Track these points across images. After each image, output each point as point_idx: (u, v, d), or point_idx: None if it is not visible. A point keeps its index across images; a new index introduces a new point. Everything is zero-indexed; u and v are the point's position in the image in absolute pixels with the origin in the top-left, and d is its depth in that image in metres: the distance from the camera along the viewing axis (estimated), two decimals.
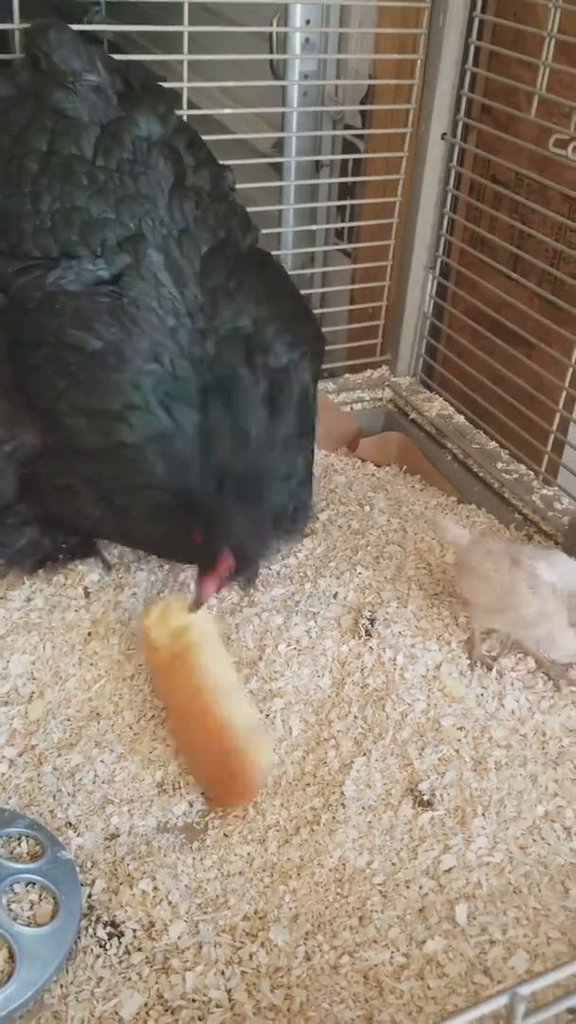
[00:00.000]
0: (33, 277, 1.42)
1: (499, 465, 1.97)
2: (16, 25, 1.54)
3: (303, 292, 2.40)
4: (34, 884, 1.18)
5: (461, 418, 2.13)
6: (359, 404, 2.24)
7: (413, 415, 2.17)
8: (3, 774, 1.34)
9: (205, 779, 1.35)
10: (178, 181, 1.51)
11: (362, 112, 2.28)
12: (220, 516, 1.35)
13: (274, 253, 2.25)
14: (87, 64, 1.49)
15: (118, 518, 1.50)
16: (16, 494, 1.53)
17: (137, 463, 1.41)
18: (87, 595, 1.64)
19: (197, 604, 1.39)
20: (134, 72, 1.57)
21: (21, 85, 1.49)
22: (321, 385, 2.23)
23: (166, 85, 1.67)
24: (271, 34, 2.26)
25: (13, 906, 1.15)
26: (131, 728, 1.43)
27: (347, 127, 2.35)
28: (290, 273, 2.33)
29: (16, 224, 1.44)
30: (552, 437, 1.88)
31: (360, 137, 2.30)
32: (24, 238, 1.44)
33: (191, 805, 1.34)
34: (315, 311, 2.46)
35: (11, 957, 1.09)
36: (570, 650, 1.48)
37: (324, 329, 2.49)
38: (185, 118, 1.74)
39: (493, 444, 2.04)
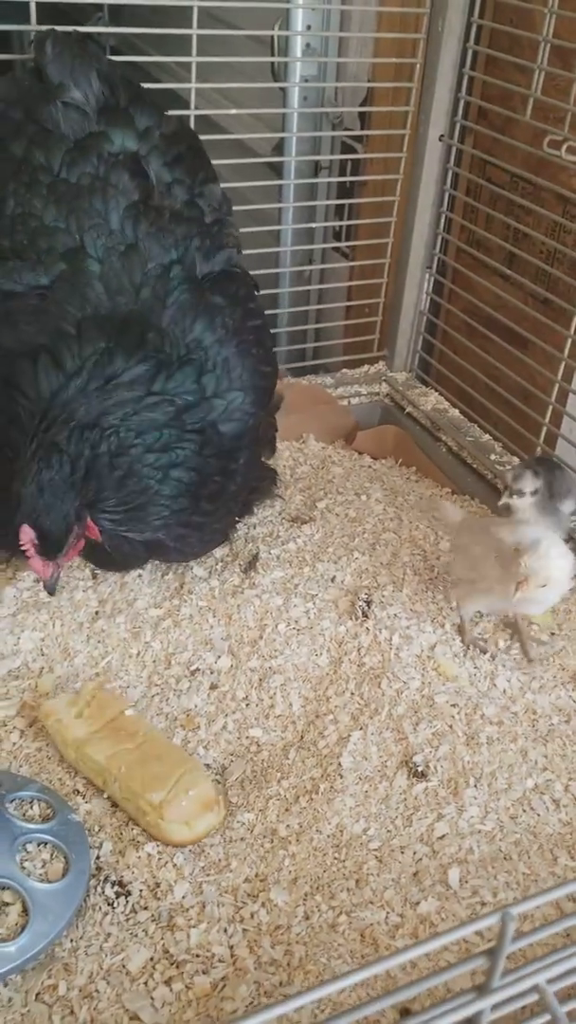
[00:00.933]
0: None
1: (492, 457, 2.03)
2: (33, 27, 1.60)
3: (300, 289, 2.47)
4: (46, 844, 1.23)
5: (456, 412, 2.19)
6: (356, 398, 2.30)
7: (409, 409, 2.23)
8: (15, 744, 1.39)
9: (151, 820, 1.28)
10: (142, 198, 1.54)
11: (361, 114, 2.34)
12: (19, 494, 1.34)
13: (272, 251, 2.32)
14: (78, 77, 1.53)
15: None
16: None
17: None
18: (94, 576, 1.69)
19: (47, 587, 1.42)
20: (126, 86, 1.59)
21: (23, 90, 1.55)
22: (319, 379, 2.30)
23: (166, 87, 1.72)
24: (272, 38, 2.32)
25: (26, 864, 1.20)
26: (136, 703, 1.48)
27: (346, 129, 2.41)
28: (288, 270, 2.41)
29: None
30: (545, 430, 1.94)
31: (359, 139, 2.36)
32: None
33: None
34: (312, 307, 2.53)
35: (25, 911, 1.14)
36: (543, 600, 1.52)
37: (321, 325, 2.57)
38: (192, 119, 1.79)
39: (487, 437, 2.10)
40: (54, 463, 1.33)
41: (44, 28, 1.67)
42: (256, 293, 1.68)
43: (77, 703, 1.38)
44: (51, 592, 1.44)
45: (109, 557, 1.60)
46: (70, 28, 1.62)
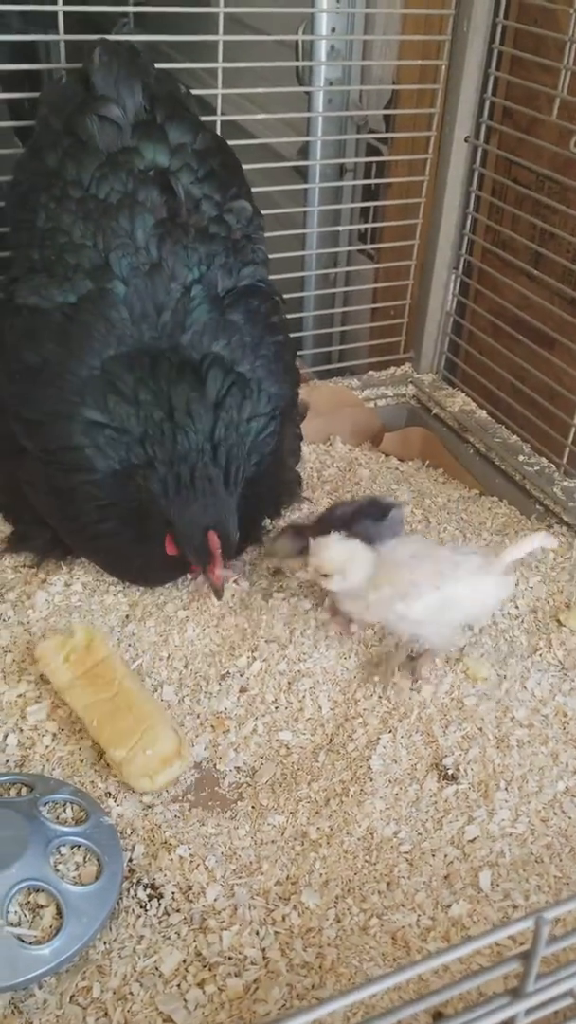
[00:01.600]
0: (17, 286, 1.54)
1: (520, 458, 2.02)
2: (61, 37, 1.62)
3: (325, 292, 2.48)
4: (79, 846, 1.24)
5: (483, 413, 2.19)
6: (383, 400, 2.30)
7: (436, 410, 2.23)
8: (47, 747, 1.41)
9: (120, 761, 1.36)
10: (169, 215, 1.54)
11: (386, 117, 2.34)
12: (174, 513, 1.45)
13: (298, 255, 2.32)
14: (121, 89, 1.53)
15: (68, 526, 1.59)
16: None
17: (56, 469, 1.51)
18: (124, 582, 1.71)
19: (218, 593, 1.52)
20: (168, 101, 1.59)
21: (67, 98, 1.56)
22: (345, 381, 2.30)
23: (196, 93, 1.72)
24: (297, 42, 2.32)
25: (60, 866, 1.21)
26: (168, 705, 1.49)
27: (371, 131, 2.41)
28: (313, 273, 2.41)
29: (19, 233, 1.57)
30: (574, 430, 1.93)
31: (384, 141, 2.36)
32: (20, 248, 1.57)
33: (224, 778, 1.39)
34: (338, 310, 2.53)
35: (59, 913, 1.15)
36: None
37: (347, 328, 2.57)
38: (218, 125, 1.80)
39: (515, 438, 2.09)
40: (214, 477, 1.46)
41: (71, 37, 1.69)
42: (280, 308, 1.68)
43: (65, 647, 1.48)
44: (219, 596, 1.55)
45: (152, 573, 1.64)
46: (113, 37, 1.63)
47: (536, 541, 1.55)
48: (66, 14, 1.70)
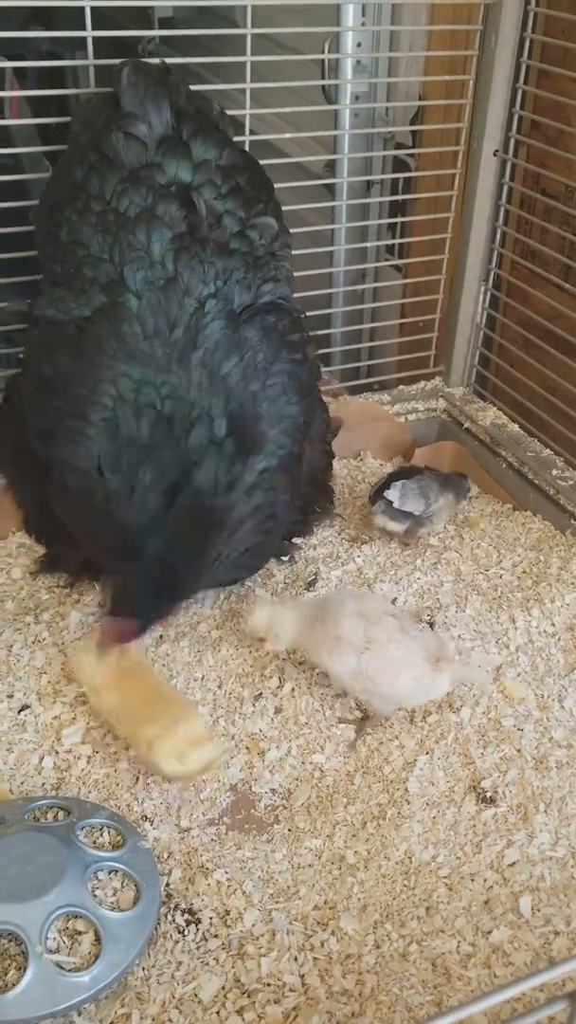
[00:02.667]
0: (39, 299, 1.56)
1: (554, 472, 2.00)
2: (91, 62, 1.63)
3: (353, 308, 2.48)
4: (116, 871, 1.24)
5: (515, 427, 2.17)
6: (413, 415, 2.28)
7: (467, 424, 2.21)
8: (83, 769, 1.41)
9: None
10: (188, 230, 1.53)
11: (412, 131, 2.34)
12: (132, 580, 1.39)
13: (325, 271, 2.32)
14: (148, 108, 1.54)
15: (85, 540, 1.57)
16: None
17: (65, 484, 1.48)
18: None
19: (101, 647, 1.43)
20: (195, 118, 1.59)
21: (97, 116, 1.58)
22: (375, 396, 2.30)
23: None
24: (323, 60, 2.32)
25: (97, 892, 1.21)
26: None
27: (398, 146, 2.41)
28: (341, 290, 2.41)
29: (45, 246, 1.59)
30: None
31: (411, 156, 2.36)
32: (45, 262, 1.59)
33: (259, 800, 1.39)
34: (367, 326, 2.53)
35: (97, 939, 1.15)
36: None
37: (376, 343, 2.56)
38: (247, 144, 1.81)
39: (548, 451, 2.07)
40: (153, 571, 1.38)
41: (101, 62, 1.71)
42: (302, 326, 1.66)
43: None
44: (99, 648, 1.45)
45: None
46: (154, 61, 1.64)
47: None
48: (97, 39, 1.71)
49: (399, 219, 2.43)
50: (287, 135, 2.20)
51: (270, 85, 1.98)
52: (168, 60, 1.68)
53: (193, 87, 1.66)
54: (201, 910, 1.23)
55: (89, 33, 1.67)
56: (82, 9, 1.64)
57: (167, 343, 1.48)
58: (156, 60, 1.64)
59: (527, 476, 2.04)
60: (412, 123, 2.32)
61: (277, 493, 1.55)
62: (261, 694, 1.54)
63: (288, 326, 1.60)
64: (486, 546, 1.89)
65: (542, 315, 2.08)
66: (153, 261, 1.50)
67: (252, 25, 1.80)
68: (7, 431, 1.74)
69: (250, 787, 1.41)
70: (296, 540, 1.85)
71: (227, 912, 1.23)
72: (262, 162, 1.72)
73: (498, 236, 2.20)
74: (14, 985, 1.08)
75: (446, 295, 2.31)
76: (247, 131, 1.86)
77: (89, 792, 1.38)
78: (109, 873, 1.24)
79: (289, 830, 1.35)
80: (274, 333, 1.56)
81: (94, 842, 1.27)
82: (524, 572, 1.82)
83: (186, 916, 1.22)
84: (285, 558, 1.81)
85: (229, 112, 1.73)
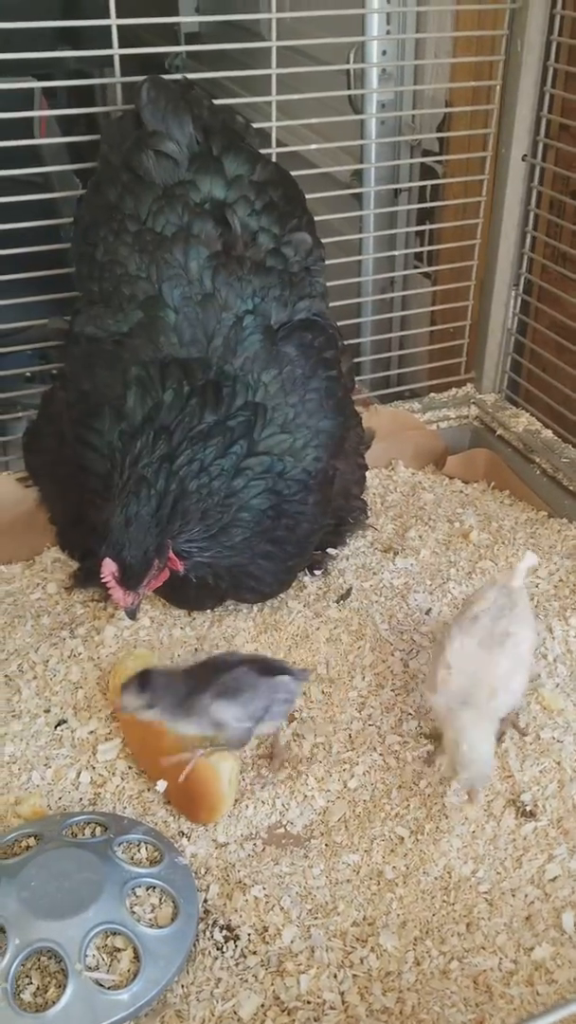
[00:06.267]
0: (77, 317, 1.58)
1: None
2: (117, 79, 1.64)
3: (382, 316, 2.47)
4: (154, 888, 1.23)
5: (549, 433, 2.15)
6: (445, 422, 2.27)
7: (500, 431, 2.20)
8: (118, 785, 1.41)
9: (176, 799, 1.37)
10: (224, 248, 1.55)
11: (439, 138, 2.33)
12: (106, 526, 1.38)
13: (354, 281, 2.32)
14: (171, 124, 1.55)
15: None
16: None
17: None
18: (190, 613, 1.71)
19: (130, 615, 1.45)
20: (223, 132, 1.60)
21: (124, 135, 1.59)
22: (406, 404, 2.29)
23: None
24: (349, 70, 2.32)
25: (136, 908, 1.21)
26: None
27: (425, 152, 2.40)
28: (370, 299, 2.40)
29: (81, 265, 1.61)
30: None
31: (439, 162, 2.35)
32: (82, 280, 1.61)
33: (295, 817, 1.38)
34: (396, 334, 2.52)
35: (136, 957, 1.15)
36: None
37: (405, 351, 2.55)
38: (273, 157, 1.81)
39: None
40: (142, 498, 1.37)
41: (129, 80, 1.72)
42: (336, 342, 1.66)
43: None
44: (132, 617, 1.48)
45: (183, 595, 1.62)
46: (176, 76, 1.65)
47: (528, 562, 1.52)
48: (125, 55, 1.72)
49: (427, 226, 2.42)
50: (314, 146, 2.20)
51: (296, 97, 1.98)
52: (194, 75, 1.68)
53: (221, 100, 1.67)
54: (239, 926, 1.22)
55: (116, 51, 1.69)
56: (109, 27, 1.65)
57: (204, 351, 1.50)
58: (178, 76, 1.65)
59: (562, 483, 2.02)
60: (439, 130, 2.32)
61: (305, 506, 1.55)
62: (299, 708, 1.53)
63: (324, 343, 1.60)
64: (522, 555, 1.86)
65: (573, 319, 2.06)
66: (191, 279, 1.51)
67: (277, 37, 1.80)
68: (43, 445, 1.75)
69: (284, 803, 1.40)
70: (330, 551, 1.84)
71: (265, 928, 1.22)
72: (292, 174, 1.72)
73: (528, 240, 2.18)
74: (54, 1003, 1.09)
75: (476, 301, 2.30)
76: (273, 143, 1.86)
77: (125, 807, 1.38)
78: (147, 889, 1.24)
79: (326, 845, 1.34)
80: (311, 350, 1.57)
81: (132, 858, 1.27)
82: (561, 581, 1.80)
83: (224, 932, 1.22)
84: (318, 570, 1.81)
85: (256, 125, 1.74)
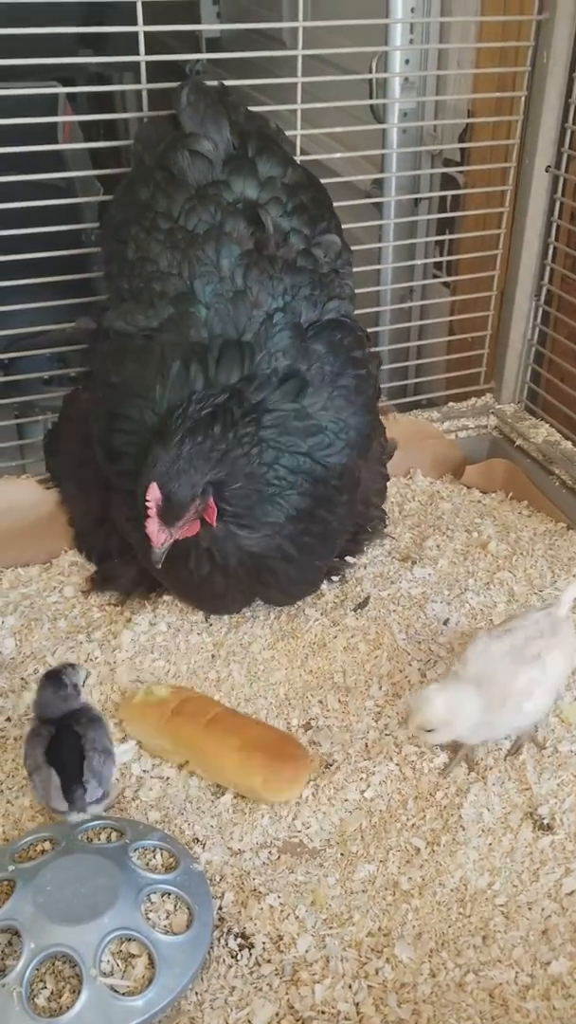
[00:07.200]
0: (107, 314, 1.59)
1: None
2: (144, 86, 1.65)
3: (401, 326, 2.46)
4: (169, 894, 1.23)
5: (568, 444, 2.14)
6: (464, 432, 2.26)
7: (519, 442, 2.19)
8: (135, 790, 1.41)
9: (260, 771, 1.38)
10: (256, 247, 1.56)
11: (461, 148, 2.33)
12: (155, 455, 1.39)
13: (373, 289, 2.31)
14: (208, 127, 1.57)
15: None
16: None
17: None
18: (207, 619, 1.71)
19: (153, 554, 1.42)
20: (259, 137, 1.62)
21: (159, 135, 1.60)
22: (425, 414, 2.28)
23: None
24: (371, 79, 2.32)
25: (151, 915, 1.20)
26: None
27: (447, 162, 2.40)
28: (389, 308, 2.40)
29: (110, 263, 1.63)
30: None
31: (460, 172, 2.35)
32: (112, 278, 1.63)
33: (310, 826, 1.37)
34: (414, 343, 2.51)
35: (151, 963, 1.14)
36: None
37: (424, 361, 2.55)
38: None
39: None
40: (199, 437, 1.39)
41: (154, 86, 1.73)
42: (364, 344, 1.67)
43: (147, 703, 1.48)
44: (157, 563, 1.45)
45: (211, 591, 1.61)
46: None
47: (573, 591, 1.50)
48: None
49: (447, 236, 2.41)
50: (336, 155, 2.20)
51: (319, 106, 1.98)
52: (215, 82, 1.69)
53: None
54: (254, 934, 1.22)
55: (143, 58, 1.69)
56: (129, 32, 1.66)
57: (242, 345, 1.50)
58: (214, 82, 1.67)
59: None
60: (461, 140, 2.31)
61: (336, 505, 1.56)
62: (313, 716, 1.53)
63: (353, 342, 1.61)
64: (540, 566, 1.86)
65: None
66: (223, 276, 1.52)
67: (302, 46, 1.81)
68: (65, 447, 1.76)
69: (298, 811, 1.39)
70: (348, 559, 1.84)
71: (280, 937, 1.22)
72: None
73: (550, 252, 2.18)
74: (68, 1008, 1.08)
75: (496, 311, 2.29)
76: (298, 151, 1.87)
77: (140, 813, 1.37)
78: (162, 896, 1.23)
79: (342, 854, 1.33)
80: (340, 348, 1.58)
81: (147, 864, 1.27)
82: None
83: (239, 940, 1.21)
84: (336, 577, 1.80)
85: (291, 133, 1.75)
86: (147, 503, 1.37)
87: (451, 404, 2.33)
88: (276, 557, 1.54)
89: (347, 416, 1.56)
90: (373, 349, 2.32)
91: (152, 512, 1.38)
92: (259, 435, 1.45)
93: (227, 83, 1.77)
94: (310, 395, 1.52)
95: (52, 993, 1.13)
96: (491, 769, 1.43)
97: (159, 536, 1.40)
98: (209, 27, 3.42)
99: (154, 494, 1.37)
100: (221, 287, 1.52)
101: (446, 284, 2.48)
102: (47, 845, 1.28)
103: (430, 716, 1.37)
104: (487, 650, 1.42)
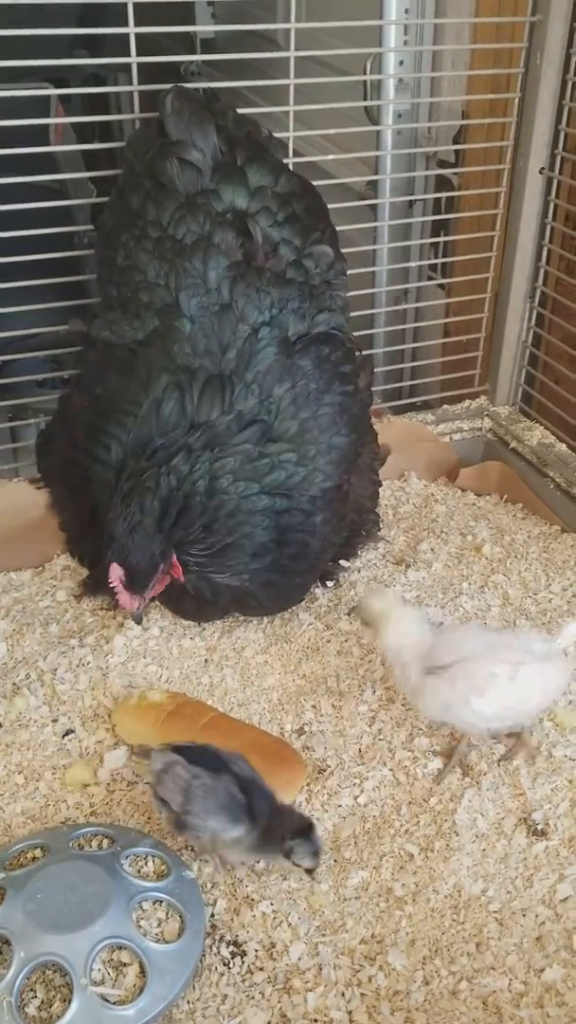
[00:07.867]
0: (95, 321, 1.59)
1: None
2: (135, 87, 1.64)
3: (395, 328, 2.46)
4: (161, 902, 1.22)
5: (563, 446, 2.13)
6: (458, 434, 2.26)
7: (514, 444, 2.18)
8: (126, 795, 1.40)
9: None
10: (244, 258, 1.54)
11: (456, 150, 2.32)
12: (108, 525, 1.42)
13: (367, 292, 2.31)
14: (194, 134, 1.55)
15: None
16: None
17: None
18: (200, 624, 1.70)
19: (135, 618, 1.52)
20: (248, 144, 1.60)
21: (148, 143, 1.59)
22: (419, 416, 2.28)
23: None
24: (365, 80, 2.32)
25: (142, 923, 1.20)
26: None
27: (441, 163, 2.39)
28: (383, 310, 2.39)
29: (102, 268, 1.62)
30: None
31: (454, 174, 2.34)
32: (102, 284, 1.62)
33: None
34: (409, 346, 2.51)
35: (142, 972, 1.13)
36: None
37: (418, 363, 2.54)
38: (290, 167, 1.80)
39: None
40: (146, 505, 1.40)
41: (146, 88, 1.72)
42: (354, 357, 1.64)
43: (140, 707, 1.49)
44: (138, 621, 1.54)
45: (191, 606, 1.61)
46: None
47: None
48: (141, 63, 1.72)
49: (442, 238, 2.41)
50: (330, 156, 2.20)
51: (313, 107, 1.97)
52: (209, 84, 1.68)
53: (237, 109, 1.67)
54: (246, 942, 1.21)
55: (134, 59, 1.69)
56: (124, 33, 1.65)
57: (218, 363, 1.49)
58: (200, 85, 1.65)
59: (575, 497, 2.00)
60: (455, 142, 2.31)
61: (313, 528, 1.54)
62: (307, 722, 1.52)
63: (341, 357, 1.59)
64: (534, 569, 1.85)
65: None
66: (209, 288, 1.51)
67: (295, 47, 1.80)
68: (56, 448, 1.75)
69: None
70: (342, 562, 1.83)
71: (272, 944, 1.21)
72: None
73: (544, 254, 2.17)
74: (59, 1017, 1.08)
75: (491, 313, 2.29)
76: (291, 153, 1.86)
77: (131, 818, 1.36)
78: (154, 903, 1.22)
79: (335, 861, 1.32)
80: (327, 364, 1.56)
81: (139, 871, 1.26)
82: (574, 596, 1.78)
83: (231, 948, 1.20)
84: (330, 582, 1.80)
85: (284, 135, 1.74)
86: (111, 582, 1.42)
87: (445, 406, 2.32)
88: (255, 583, 1.54)
89: (330, 437, 1.55)
90: (367, 352, 2.33)
91: (119, 588, 1.43)
92: (212, 487, 1.44)
93: (221, 85, 1.77)
94: (278, 428, 1.50)
95: (42, 1002, 1.12)
96: (485, 774, 1.42)
97: (132, 603, 1.45)
98: (204, 28, 3.41)
99: (116, 572, 1.42)
100: (207, 300, 1.51)
101: (441, 286, 2.48)
102: (38, 852, 1.27)
103: (371, 605, 1.42)
104: (474, 631, 1.43)
